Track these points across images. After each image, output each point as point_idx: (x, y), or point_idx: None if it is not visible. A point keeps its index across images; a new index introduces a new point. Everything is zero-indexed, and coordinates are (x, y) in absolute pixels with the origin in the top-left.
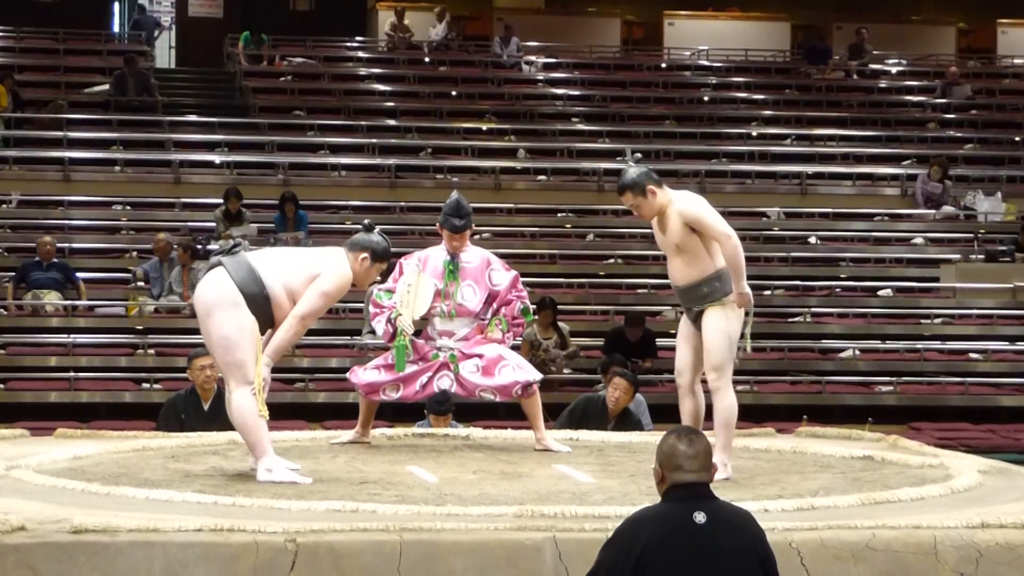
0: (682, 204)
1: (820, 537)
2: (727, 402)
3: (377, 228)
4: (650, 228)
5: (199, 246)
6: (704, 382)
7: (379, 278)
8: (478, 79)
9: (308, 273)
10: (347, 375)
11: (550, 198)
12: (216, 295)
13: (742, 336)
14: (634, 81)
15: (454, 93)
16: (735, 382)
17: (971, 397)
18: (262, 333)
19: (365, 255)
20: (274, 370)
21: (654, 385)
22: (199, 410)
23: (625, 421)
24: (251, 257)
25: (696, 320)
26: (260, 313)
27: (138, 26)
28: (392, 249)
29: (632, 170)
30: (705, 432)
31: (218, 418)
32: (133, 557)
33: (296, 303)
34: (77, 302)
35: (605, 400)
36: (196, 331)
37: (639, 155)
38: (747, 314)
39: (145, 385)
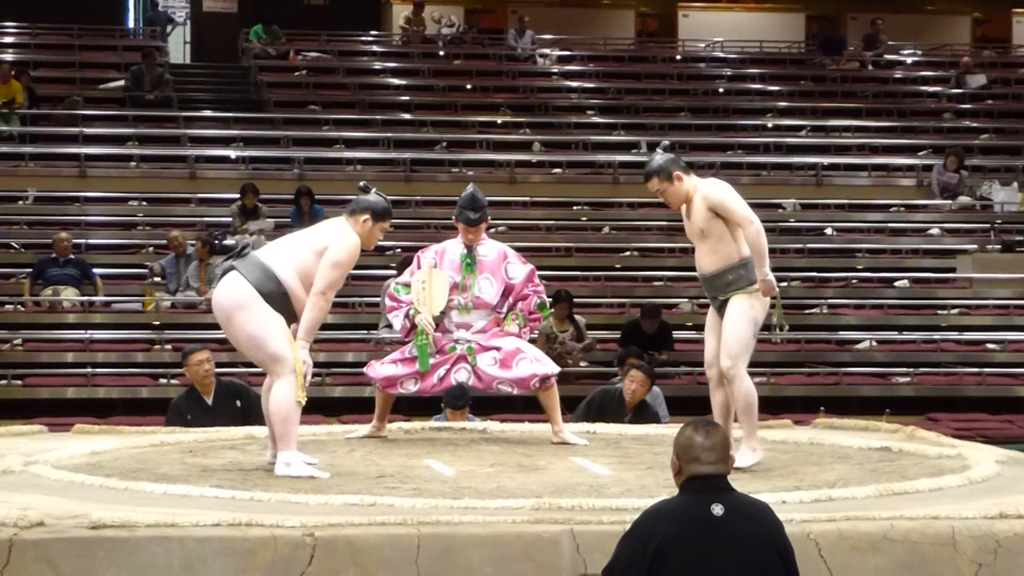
0: (706, 189)
1: (838, 528)
2: (744, 389)
3: (374, 189)
4: (666, 220)
5: (216, 241)
6: None
7: (383, 235)
8: (493, 72)
9: (315, 249)
10: (364, 369)
11: (565, 191)
12: (232, 297)
13: (774, 317)
14: (649, 73)
15: (469, 86)
16: (753, 373)
17: (988, 387)
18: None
19: (366, 216)
20: None
21: (671, 377)
22: (203, 406)
23: (642, 413)
24: (261, 255)
25: (721, 310)
26: (280, 309)
27: (150, 22)
28: (407, 244)
29: (659, 157)
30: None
31: (223, 412)
32: (151, 552)
33: (312, 278)
34: (94, 298)
35: (622, 392)
36: (212, 326)
37: (667, 142)
38: (774, 300)
39: (162, 380)
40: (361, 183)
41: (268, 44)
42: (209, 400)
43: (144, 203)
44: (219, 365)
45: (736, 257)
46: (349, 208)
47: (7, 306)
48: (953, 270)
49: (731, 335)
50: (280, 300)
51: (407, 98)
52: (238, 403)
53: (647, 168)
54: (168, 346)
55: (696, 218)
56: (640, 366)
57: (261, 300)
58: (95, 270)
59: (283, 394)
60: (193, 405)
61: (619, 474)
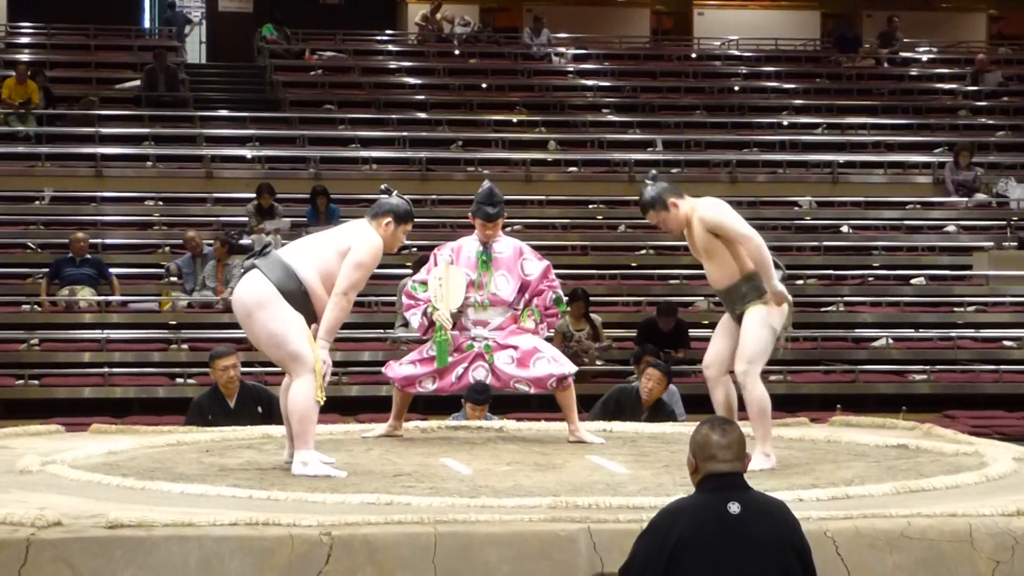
0: (702, 210)
1: (855, 526)
2: (757, 393)
3: (395, 191)
4: None
5: (234, 240)
6: (731, 373)
7: (405, 238)
8: (508, 71)
9: (338, 249)
10: (383, 369)
11: (581, 189)
12: (253, 295)
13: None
14: (664, 71)
15: (484, 85)
16: (769, 372)
17: (1005, 384)
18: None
19: (388, 219)
20: None
21: (687, 375)
22: (225, 408)
23: (659, 412)
24: (283, 254)
25: (740, 320)
26: (301, 309)
27: (168, 22)
28: (423, 243)
29: (650, 188)
30: (741, 422)
31: (244, 416)
32: (169, 551)
33: (334, 278)
34: (110, 298)
35: (638, 391)
36: (229, 326)
37: (654, 172)
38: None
39: (179, 380)
40: (383, 186)
41: (279, 41)
42: (231, 403)
43: (160, 203)
44: None
45: (748, 268)
46: (371, 211)
47: (24, 306)
48: (969, 267)
49: (748, 341)
50: (301, 299)
51: (423, 97)
52: (259, 408)
53: (641, 201)
54: (185, 346)
55: (698, 240)
56: (656, 364)
57: (282, 299)
58: (111, 270)
59: (302, 393)
60: (215, 406)
61: (636, 472)
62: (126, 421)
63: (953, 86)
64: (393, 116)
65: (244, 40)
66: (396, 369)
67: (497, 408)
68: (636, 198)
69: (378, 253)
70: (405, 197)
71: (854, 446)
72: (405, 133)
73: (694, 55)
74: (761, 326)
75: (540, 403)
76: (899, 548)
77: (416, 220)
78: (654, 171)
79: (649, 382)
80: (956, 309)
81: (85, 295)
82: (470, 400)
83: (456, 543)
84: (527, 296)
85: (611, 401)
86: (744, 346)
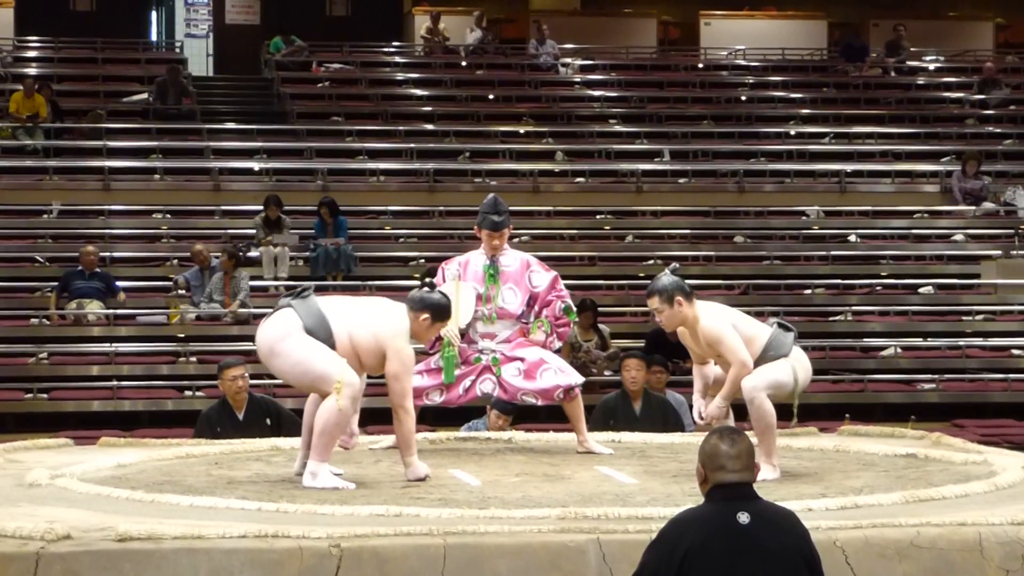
0: (704, 322)
1: (864, 535)
2: (764, 409)
3: (438, 287)
4: (689, 229)
5: (241, 253)
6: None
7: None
8: (515, 82)
9: (371, 331)
10: None
11: (588, 200)
12: (278, 329)
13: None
14: (671, 81)
15: (491, 96)
16: None
17: (1014, 393)
18: None
19: (426, 316)
20: None
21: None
22: (234, 420)
23: (651, 403)
24: (321, 304)
25: None
26: None
27: None
28: (431, 254)
29: (665, 277)
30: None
31: (253, 428)
32: (178, 564)
33: (357, 352)
34: (119, 311)
35: (623, 391)
36: (237, 338)
37: (676, 264)
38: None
39: (187, 393)
40: (427, 279)
41: (289, 54)
42: (240, 415)
43: (168, 216)
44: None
45: (757, 352)
46: (411, 302)
47: (33, 320)
48: (978, 276)
49: (768, 368)
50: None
51: (430, 108)
52: (268, 420)
53: (650, 286)
54: (193, 358)
55: (701, 345)
56: (632, 354)
57: (302, 330)
58: (119, 283)
59: (332, 407)
60: (224, 418)
61: (644, 483)
62: (135, 434)
63: (960, 95)
64: (400, 128)
65: (251, 52)
66: None
67: None
68: (643, 208)
69: (409, 357)
70: (445, 294)
71: (863, 455)
72: (412, 145)
73: (701, 65)
74: (786, 362)
75: (548, 413)
76: (909, 557)
77: (424, 232)
78: (676, 264)
79: (629, 372)
80: (964, 318)
81: (94, 308)
82: (497, 407)
83: (465, 555)
84: (536, 308)
85: (599, 413)
86: (761, 370)
